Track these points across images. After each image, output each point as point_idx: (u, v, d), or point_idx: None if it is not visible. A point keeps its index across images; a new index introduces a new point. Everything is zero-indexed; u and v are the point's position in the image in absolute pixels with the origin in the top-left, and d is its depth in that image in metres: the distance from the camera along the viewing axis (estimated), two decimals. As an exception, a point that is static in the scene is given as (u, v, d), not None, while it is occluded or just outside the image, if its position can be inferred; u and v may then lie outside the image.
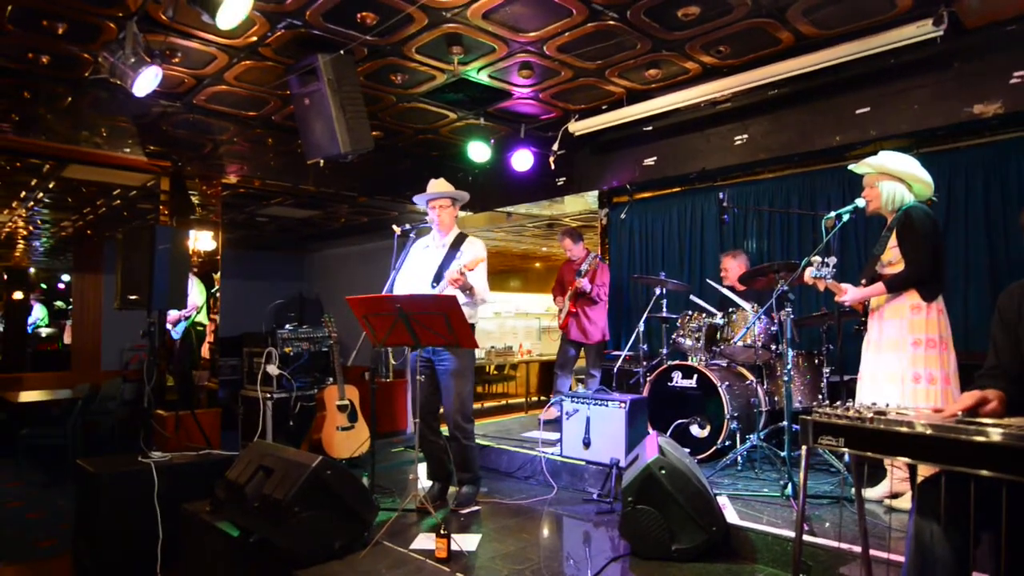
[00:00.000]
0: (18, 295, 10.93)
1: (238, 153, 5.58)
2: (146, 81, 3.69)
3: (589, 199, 6.65)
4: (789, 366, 3.63)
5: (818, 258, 3.16)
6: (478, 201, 6.79)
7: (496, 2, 3.57)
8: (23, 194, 6.37)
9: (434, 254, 3.77)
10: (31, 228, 8.24)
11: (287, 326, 5.65)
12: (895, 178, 3.24)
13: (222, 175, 5.58)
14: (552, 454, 4.40)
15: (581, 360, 5.90)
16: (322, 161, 4.26)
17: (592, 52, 4.17)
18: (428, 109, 5.17)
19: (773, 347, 4.37)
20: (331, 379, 5.51)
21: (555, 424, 4.92)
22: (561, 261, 6.39)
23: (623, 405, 4.08)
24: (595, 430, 4.19)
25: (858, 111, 4.31)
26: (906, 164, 3.24)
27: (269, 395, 5.34)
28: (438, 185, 3.91)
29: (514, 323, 10.95)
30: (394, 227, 3.73)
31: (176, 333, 5.60)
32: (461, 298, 3.55)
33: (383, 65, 4.35)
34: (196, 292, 5.55)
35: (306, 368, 5.57)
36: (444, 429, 3.79)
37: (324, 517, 2.92)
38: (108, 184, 6.05)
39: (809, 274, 3.19)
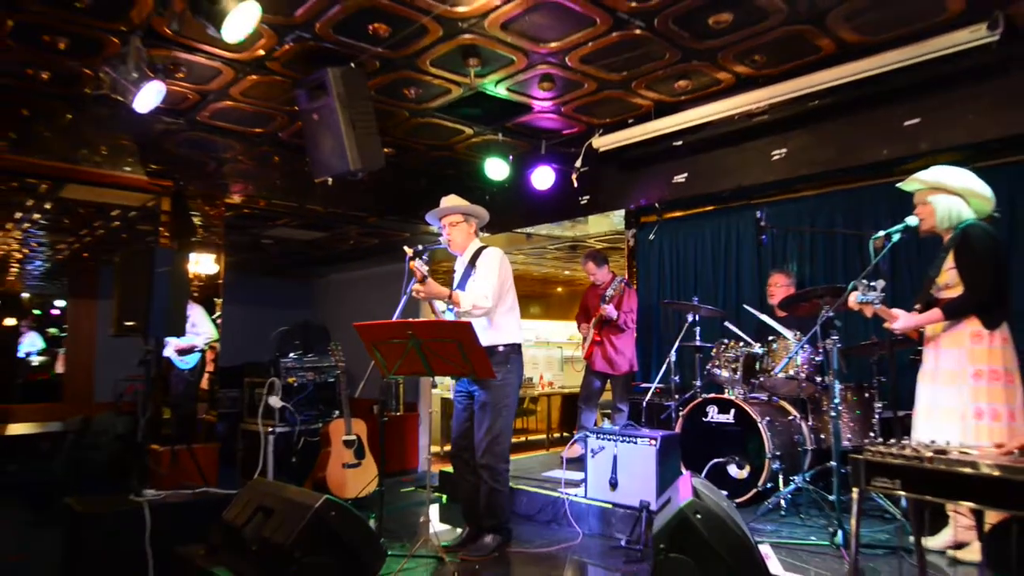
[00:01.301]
0: (10, 321, 11.14)
1: (243, 172, 5.67)
2: (148, 97, 3.78)
3: (615, 219, 6.64)
4: (836, 400, 3.57)
5: (864, 281, 3.10)
6: (496, 222, 6.78)
7: (515, 12, 3.62)
8: (18, 215, 6.52)
9: (456, 277, 3.78)
10: (26, 251, 8.41)
11: (291, 355, 5.67)
12: (950, 193, 3.19)
13: (225, 195, 5.67)
14: (576, 496, 4.35)
15: (607, 393, 5.84)
16: (331, 179, 4.30)
17: (617, 63, 4.20)
18: (443, 124, 5.23)
19: (818, 379, 4.30)
20: (337, 412, 5.51)
21: (579, 463, 4.87)
22: (584, 286, 6.38)
23: (653, 442, 4.04)
24: (623, 470, 4.14)
25: (907, 123, 4.28)
26: (962, 177, 3.19)
27: (271, 429, 5.33)
28: (447, 201, 3.93)
29: (534, 352, 10.90)
30: (405, 248, 3.74)
31: (185, 364, 5.63)
32: (471, 314, 3.53)
33: (396, 78, 4.42)
34: (208, 322, 5.62)
35: (311, 400, 5.58)
36: None
37: (327, 564, 2.89)
38: (107, 204, 6.17)
39: (854, 299, 3.13)
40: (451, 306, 3.67)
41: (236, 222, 6.69)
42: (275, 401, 5.34)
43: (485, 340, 3.66)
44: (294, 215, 6.51)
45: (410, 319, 3.28)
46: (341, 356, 5.45)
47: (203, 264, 5.61)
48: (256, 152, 5.60)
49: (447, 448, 9.09)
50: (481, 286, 3.65)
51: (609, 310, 5.46)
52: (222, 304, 5.74)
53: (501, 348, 3.67)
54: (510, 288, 3.77)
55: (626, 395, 5.66)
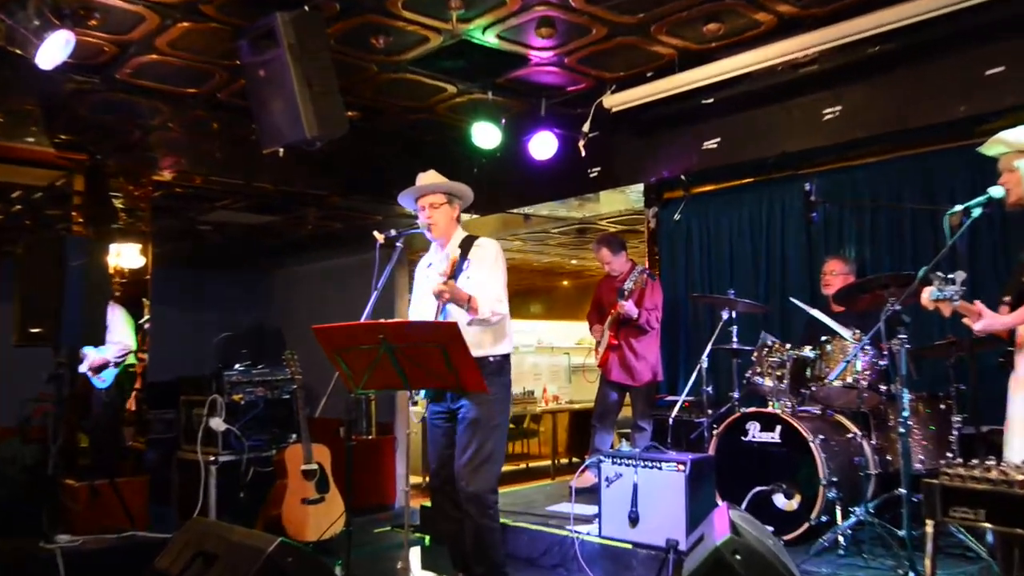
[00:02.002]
0: None
1: (174, 142, 5.64)
2: (54, 50, 3.75)
3: (632, 195, 6.62)
4: (906, 413, 3.56)
5: (940, 274, 3.08)
6: (485, 200, 6.74)
7: (506, -61, 3.60)
8: None
9: (437, 272, 3.77)
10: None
11: (237, 367, 5.66)
12: (1044, 157, 3.18)
13: (153, 170, 5.63)
14: (588, 534, 4.34)
15: (626, 409, 5.84)
16: (282, 150, 4.28)
17: (633, 2, 4.17)
18: (420, 81, 5.20)
19: (883, 388, 4.28)
20: (294, 436, 5.49)
21: (592, 494, 4.85)
22: (597, 277, 6.37)
23: (682, 468, 4.02)
24: (645, 502, 4.12)
25: (989, 71, 4.27)
26: (1058, 138, 3.18)
27: (213, 458, 5.32)
28: (426, 177, 3.93)
29: (536, 360, 10.90)
30: (376, 234, 3.73)
31: (102, 382, 5.60)
32: (463, 319, 3.53)
33: (361, 24, 4.38)
34: (126, 329, 5.57)
35: (262, 422, 5.56)
36: None
37: (284, 621, 2.88)
38: (5, 184, 6.13)
39: (928, 296, 3.11)
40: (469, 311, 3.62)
41: (166, 204, 6.66)
42: (217, 423, 5.33)
43: (478, 349, 3.63)
44: (238, 195, 6.48)
45: (382, 320, 3.27)
46: (298, 367, 5.43)
47: (126, 256, 5.57)
48: (190, 117, 5.57)
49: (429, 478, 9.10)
50: (492, 288, 3.65)
51: (628, 307, 5.43)
52: (150, 305, 5.70)
53: (492, 359, 3.68)
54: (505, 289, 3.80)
55: (649, 410, 5.65)
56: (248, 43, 4.14)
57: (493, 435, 3.62)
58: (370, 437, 7.50)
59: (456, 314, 3.62)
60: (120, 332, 5.46)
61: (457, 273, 3.68)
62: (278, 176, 6.01)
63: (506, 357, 3.75)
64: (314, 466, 5.24)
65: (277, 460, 5.30)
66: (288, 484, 5.14)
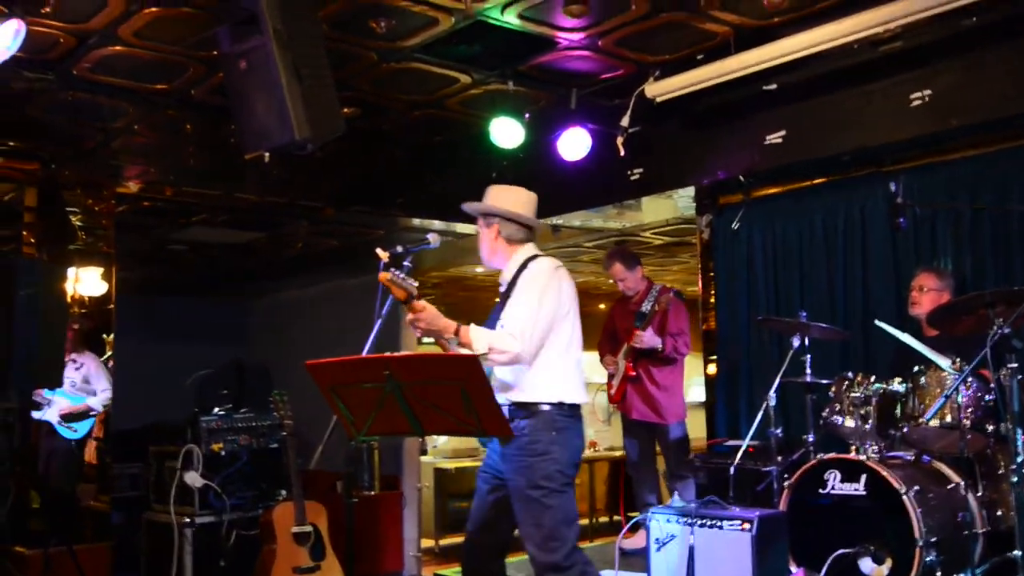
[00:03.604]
0: None
1: (141, 147, 5.69)
2: (1, 42, 3.79)
3: (681, 201, 6.60)
4: (1020, 457, 3.50)
5: None
6: (507, 209, 6.79)
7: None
8: None
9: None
10: None
11: (217, 411, 5.69)
12: None
13: (117, 181, 5.68)
14: (637, 608, 4.30)
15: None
16: (268, 155, 4.28)
17: (679, -29, 4.19)
18: (428, 71, 5.23)
19: (990, 428, 4.22)
20: (284, 493, 5.52)
21: (639, 557, 4.82)
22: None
23: (748, 526, 4.00)
24: (704, 567, 4.10)
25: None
26: None
27: (188, 519, 5.31)
28: (489, 192, 3.99)
29: (568, 399, 10.77)
30: (378, 252, 3.72)
31: (74, 432, 5.65)
32: (493, 362, 3.54)
33: (359, 6, 4.41)
34: (107, 377, 5.62)
35: (246, 476, 5.59)
36: None
37: None
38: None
39: None
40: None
41: (133, 220, 6.72)
42: (194, 478, 5.35)
43: (520, 393, 3.65)
44: (217, 208, 6.52)
45: (387, 354, 3.25)
46: (289, 411, 5.43)
47: (86, 282, 5.61)
48: (159, 118, 5.62)
49: (444, 541, 9.06)
50: (514, 319, 3.63)
51: (648, 338, 5.49)
52: (113, 339, 5.73)
53: (545, 407, 3.60)
54: (566, 320, 3.70)
55: (683, 456, 5.62)
56: (227, 30, 4.16)
57: (551, 505, 3.54)
58: (373, 493, 7.47)
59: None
60: (102, 380, 5.55)
61: (502, 304, 3.73)
62: (263, 186, 6.04)
63: (566, 408, 3.63)
64: (308, 528, 5.22)
65: (264, 521, 5.28)
66: (277, 550, 5.12)
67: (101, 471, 5.58)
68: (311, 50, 4.08)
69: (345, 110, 5.03)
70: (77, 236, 5.56)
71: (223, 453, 5.53)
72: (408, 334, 8.48)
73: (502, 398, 3.70)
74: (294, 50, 4.01)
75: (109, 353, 5.75)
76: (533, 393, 3.62)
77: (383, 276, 3.53)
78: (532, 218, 3.93)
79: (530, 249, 3.90)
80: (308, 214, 6.66)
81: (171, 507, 5.36)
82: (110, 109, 5.44)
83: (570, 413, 3.65)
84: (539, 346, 3.61)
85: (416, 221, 6.97)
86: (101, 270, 5.67)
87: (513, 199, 3.93)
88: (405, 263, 3.67)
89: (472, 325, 3.64)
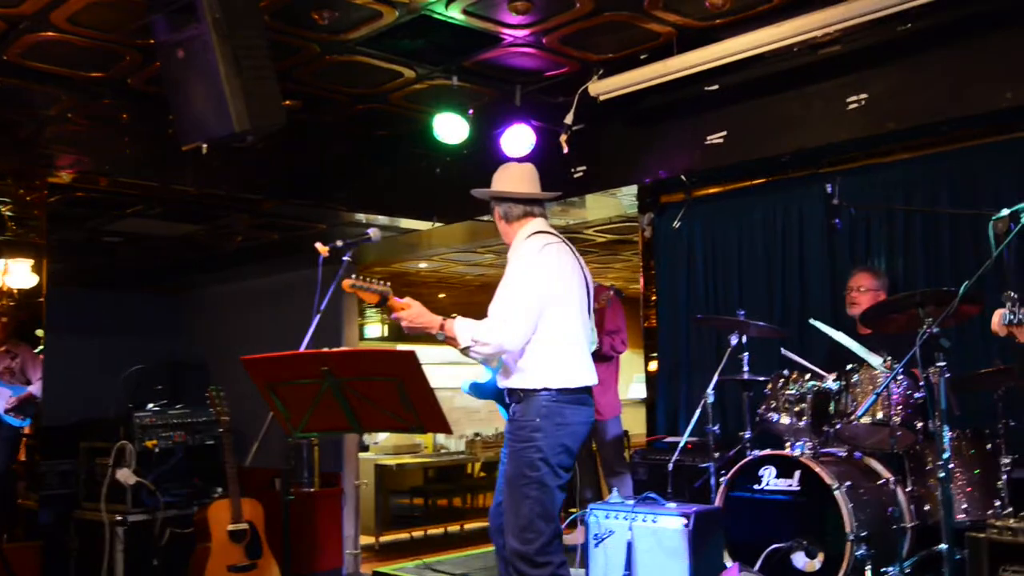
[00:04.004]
0: None
1: (74, 137, 5.58)
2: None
3: (624, 199, 6.64)
4: (946, 454, 3.59)
5: (1013, 294, 3.12)
6: (450, 205, 6.79)
7: None
8: None
9: None
10: None
11: (151, 406, 5.62)
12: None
13: (48, 171, 5.56)
14: (574, 604, 4.33)
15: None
16: (205, 147, 4.23)
17: (623, -29, 4.23)
18: (372, 64, 5.20)
19: (919, 425, 4.31)
20: (220, 490, 5.44)
21: (579, 552, 4.83)
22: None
23: (684, 521, 4.02)
24: (642, 562, 4.11)
25: (1039, 53, 4.35)
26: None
27: (120, 517, 5.26)
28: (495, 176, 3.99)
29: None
30: (318, 246, 3.71)
31: (22, 420, 5.55)
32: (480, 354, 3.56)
33: (300, -4, 4.40)
34: (38, 366, 5.56)
35: (180, 473, 5.55)
36: None
37: None
38: None
39: (999, 321, 3.15)
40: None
41: (66, 211, 6.59)
42: (126, 475, 5.28)
43: (512, 379, 3.65)
44: (153, 200, 6.42)
45: (326, 349, 3.25)
46: (225, 407, 5.39)
47: (16, 274, 5.50)
48: (94, 108, 5.52)
49: (384, 538, 9.05)
50: (498, 304, 3.62)
51: None
52: (45, 334, 5.63)
53: (535, 392, 3.58)
54: (560, 302, 3.66)
55: (622, 451, 5.69)
56: (163, 18, 4.10)
57: (530, 495, 3.54)
58: (312, 490, 7.43)
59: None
60: (39, 370, 5.46)
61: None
62: (201, 177, 5.96)
63: (557, 393, 3.60)
64: (244, 526, 5.19)
65: (199, 519, 5.25)
66: (212, 548, 5.08)
67: (30, 468, 5.48)
68: (251, 40, 4.02)
69: (286, 102, 4.99)
70: (7, 227, 5.44)
71: (157, 449, 5.47)
72: (351, 329, 8.47)
73: (501, 384, 3.73)
74: (234, 40, 3.95)
75: (40, 347, 5.64)
76: (524, 378, 3.62)
77: (346, 284, 3.50)
78: (524, 191, 3.90)
79: (535, 225, 3.85)
80: (247, 207, 6.58)
81: (102, 505, 5.28)
82: (42, 97, 5.33)
83: (562, 398, 3.60)
84: (528, 333, 3.58)
85: (360, 216, 6.94)
86: (32, 262, 5.56)
87: (504, 177, 3.95)
88: (344, 258, 3.67)
89: (458, 318, 3.61)
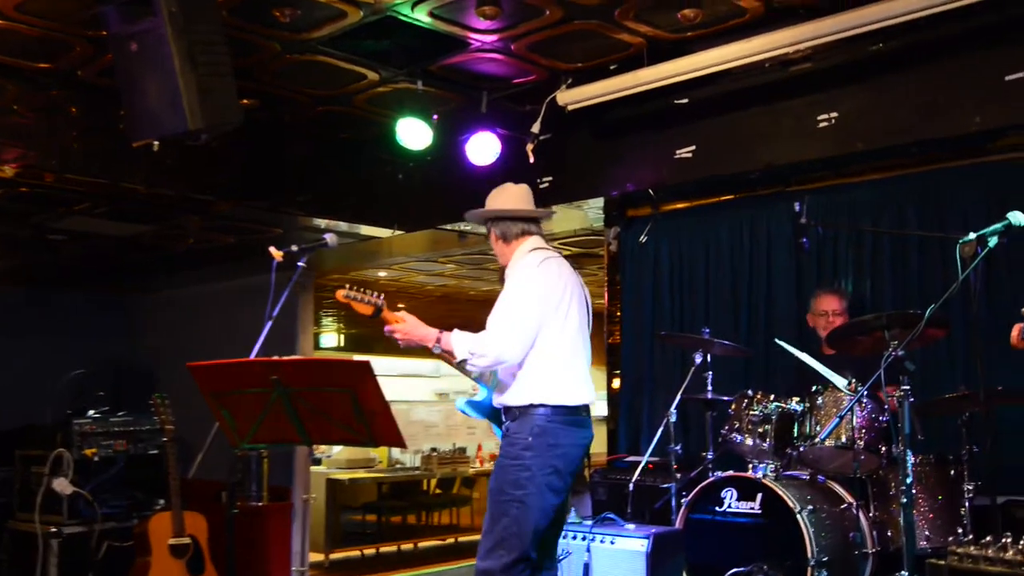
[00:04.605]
0: None
1: (20, 129, 5.48)
2: None
3: (590, 212, 6.65)
4: (909, 479, 3.62)
5: None
6: (412, 213, 6.76)
7: None
8: None
9: None
10: None
11: (91, 413, 5.54)
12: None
13: (-9, 165, 5.46)
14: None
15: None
16: (157, 144, 4.19)
17: (594, -21, 4.23)
18: (334, 65, 5.18)
19: (883, 449, 4.35)
20: (162, 502, 5.41)
21: None
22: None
23: (644, 543, 4.03)
24: (598, 585, 4.11)
25: (1009, 77, 4.40)
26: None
27: (55, 529, 5.19)
28: (490, 198, 4.00)
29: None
30: (271, 250, 3.68)
31: None
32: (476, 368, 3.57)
33: (261, -8, 4.36)
34: None
35: (121, 484, 5.48)
36: None
37: None
38: None
39: (1018, 334, 3.18)
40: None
41: (8, 207, 6.49)
42: (63, 485, 5.19)
43: (507, 395, 3.63)
44: (100, 197, 6.33)
45: (276, 357, 3.21)
46: (170, 415, 5.34)
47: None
48: (41, 99, 5.43)
49: (334, 555, 8.96)
50: (495, 319, 3.60)
51: None
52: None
53: (530, 409, 3.57)
54: (557, 316, 3.66)
55: (582, 471, 5.66)
56: (115, 10, 4.04)
57: (510, 511, 3.50)
58: (259, 504, 7.33)
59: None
60: None
61: None
62: (152, 176, 5.87)
63: (551, 411, 3.58)
64: (186, 540, 5.14)
65: (139, 532, 5.17)
66: (152, 563, 5.02)
67: (-40, 476, 5.37)
68: (209, 36, 3.99)
69: (244, 101, 4.94)
70: (-55, 223, 5.34)
71: (96, 458, 5.39)
72: (306, 337, 8.39)
73: (496, 402, 3.70)
74: (190, 35, 3.92)
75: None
76: (519, 395, 3.61)
77: (340, 295, 3.53)
78: (519, 208, 3.90)
79: (532, 243, 3.85)
80: (200, 208, 6.49)
81: (36, 516, 5.19)
82: (-14, 87, 5.26)
83: (558, 416, 3.59)
84: (527, 345, 3.58)
85: (319, 221, 6.89)
86: (-30, 260, 5.45)
87: (501, 197, 3.94)
88: (299, 263, 3.64)
89: (455, 331, 3.60)
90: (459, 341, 3.56)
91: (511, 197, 3.95)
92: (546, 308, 3.63)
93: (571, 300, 3.72)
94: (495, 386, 3.73)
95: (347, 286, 3.59)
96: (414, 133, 5.54)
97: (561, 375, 3.64)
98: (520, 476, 3.52)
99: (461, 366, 3.62)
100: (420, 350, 3.76)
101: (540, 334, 3.62)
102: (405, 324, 3.59)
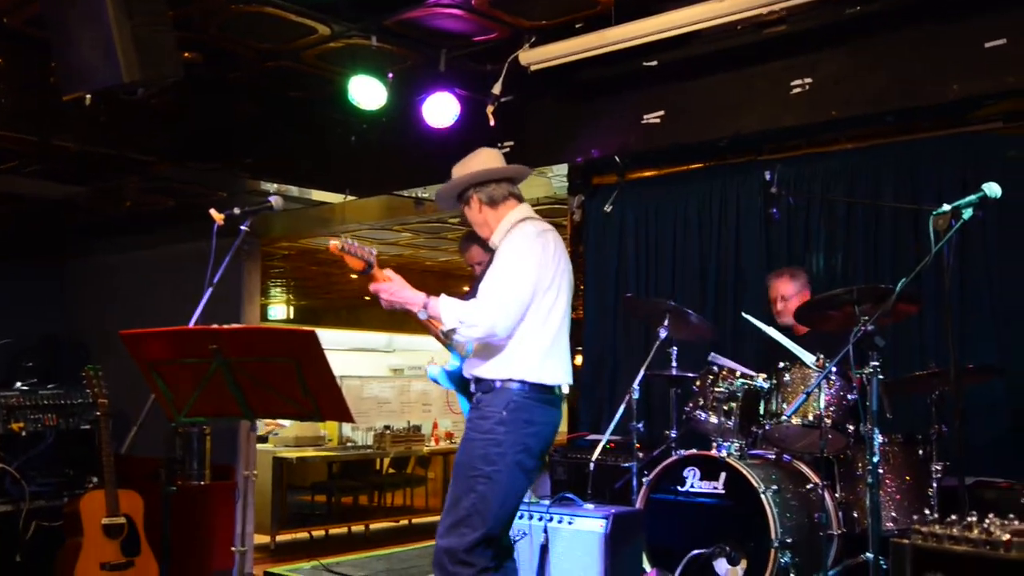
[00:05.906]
0: None
1: (-59, 82, 5.38)
2: None
3: (554, 180, 6.66)
4: (876, 458, 3.67)
5: None
6: (365, 177, 6.72)
7: None
8: None
9: None
10: None
11: (19, 385, 5.50)
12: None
13: (-89, 120, 5.35)
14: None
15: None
16: (88, 97, 4.13)
17: (559, -70, 4.21)
18: (282, 17, 5.10)
19: (850, 428, 4.40)
20: (95, 479, 5.37)
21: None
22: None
23: (602, 523, 4.04)
24: (556, 566, 4.14)
25: (988, 44, 4.44)
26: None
27: (-18, 508, 5.15)
28: (457, 168, 3.94)
29: (423, 387, 10.82)
30: (212, 212, 3.64)
31: None
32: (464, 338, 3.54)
33: (203, -63, 4.29)
34: None
35: (50, 460, 5.46)
36: None
37: None
38: None
39: None
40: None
41: (-69, 166, 6.37)
42: (-11, 461, 5.14)
43: (483, 368, 3.63)
44: (29, 156, 6.25)
45: (215, 325, 3.18)
46: (104, 388, 5.31)
47: None
48: (-34, 50, 5.32)
49: (281, 537, 8.95)
50: (486, 291, 3.58)
51: None
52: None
53: (506, 384, 3.58)
54: (548, 292, 3.66)
55: None
56: (46, -48, 3.99)
57: (477, 488, 3.50)
58: (200, 483, 7.30)
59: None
60: None
61: (483, 273, 3.71)
62: (86, 133, 5.79)
63: (527, 388, 3.59)
64: (120, 520, 5.13)
65: (69, 511, 5.17)
66: (84, 544, 5.01)
67: None
68: (147, -17, 3.94)
69: (185, 54, 4.86)
70: None
71: (24, 433, 5.35)
72: (252, 308, 8.32)
73: (468, 372, 3.70)
74: (126, -19, 3.87)
75: None
76: (496, 369, 3.60)
77: (333, 246, 3.50)
78: (506, 167, 3.90)
79: (520, 212, 3.83)
80: (138, 168, 6.41)
81: (-40, 493, 5.14)
82: (-95, 36, 5.14)
83: (534, 394, 3.60)
84: (518, 318, 3.58)
85: (267, 185, 6.84)
86: None
87: (475, 161, 3.90)
88: (242, 227, 3.61)
89: (443, 296, 3.58)
90: (448, 308, 3.53)
91: (490, 158, 3.93)
92: (540, 283, 3.64)
93: (562, 278, 3.73)
94: (470, 354, 3.72)
95: (342, 236, 3.55)
96: (368, 92, 5.48)
97: (542, 353, 3.65)
98: (491, 451, 3.52)
99: (447, 335, 3.60)
100: (402, 313, 3.72)
101: (531, 308, 3.62)
102: (392, 284, 3.56)
